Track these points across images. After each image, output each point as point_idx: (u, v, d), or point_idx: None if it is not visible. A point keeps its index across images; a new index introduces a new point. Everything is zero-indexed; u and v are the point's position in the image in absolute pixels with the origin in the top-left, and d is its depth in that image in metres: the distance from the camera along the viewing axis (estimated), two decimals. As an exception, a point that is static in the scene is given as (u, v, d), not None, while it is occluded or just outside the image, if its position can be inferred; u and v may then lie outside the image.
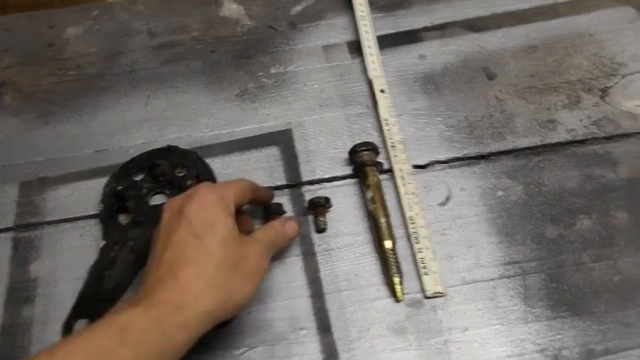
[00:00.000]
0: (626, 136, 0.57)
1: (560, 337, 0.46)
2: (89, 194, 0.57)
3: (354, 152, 0.55)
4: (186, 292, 0.40)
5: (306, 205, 0.54)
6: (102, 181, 0.57)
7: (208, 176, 0.56)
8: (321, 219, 0.52)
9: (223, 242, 0.42)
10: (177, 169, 0.57)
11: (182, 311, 0.39)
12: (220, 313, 0.41)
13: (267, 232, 0.47)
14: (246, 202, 0.48)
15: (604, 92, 0.61)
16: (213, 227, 0.42)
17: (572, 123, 0.59)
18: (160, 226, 0.45)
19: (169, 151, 0.58)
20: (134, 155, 0.59)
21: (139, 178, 0.57)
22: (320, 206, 0.53)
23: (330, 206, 0.54)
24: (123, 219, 0.55)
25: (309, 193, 0.55)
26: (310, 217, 0.54)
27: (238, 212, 0.47)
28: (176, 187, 0.56)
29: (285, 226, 0.49)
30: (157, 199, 0.56)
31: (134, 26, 0.71)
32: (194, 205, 0.43)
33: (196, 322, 0.39)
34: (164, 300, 0.39)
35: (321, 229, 0.53)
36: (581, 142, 0.57)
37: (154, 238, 0.45)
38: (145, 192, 0.56)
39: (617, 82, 0.61)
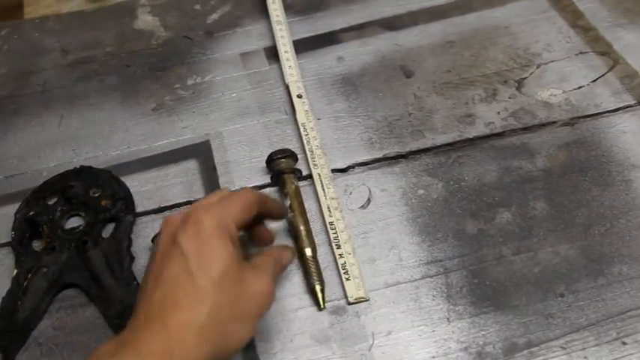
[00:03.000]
0: (542, 126, 0.58)
1: (483, 333, 0.46)
2: (0, 222, 0.54)
3: (270, 160, 0.54)
4: (176, 344, 0.36)
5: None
6: (14, 207, 0.55)
7: (124, 194, 0.55)
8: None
9: (219, 281, 0.37)
10: (92, 189, 0.55)
11: None
12: None
13: (268, 260, 0.43)
14: (252, 217, 0.43)
15: (520, 83, 0.61)
16: (208, 263, 0.38)
17: (489, 116, 0.59)
18: (155, 251, 0.41)
19: (82, 172, 0.56)
20: (47, 178, 0.57)
21: (52, 201, 0.55)
22: None
23: None
24: (37, 245, 0.53)
25: (229, 205, 0.54)
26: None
27: (255, 222, 0.45)
28: (91, 209, 0.54)
29: (282, 255, 0.45)
30: (71, 222, 0.54)
31: (46, 44, 0.69)
32: (189, 232, 0.39)
33: None
34: (151, 352, 0.35)
35: None
36: (499, 134, 0.57)
37: (148, 263, 0.41)
38: (58, 216, 0.54)
39: (532, 73, 0.62)
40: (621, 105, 0.59)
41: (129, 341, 0.36)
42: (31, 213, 0.54)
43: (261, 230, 0.47)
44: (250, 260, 0.42)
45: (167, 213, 0.54)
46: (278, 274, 0.44)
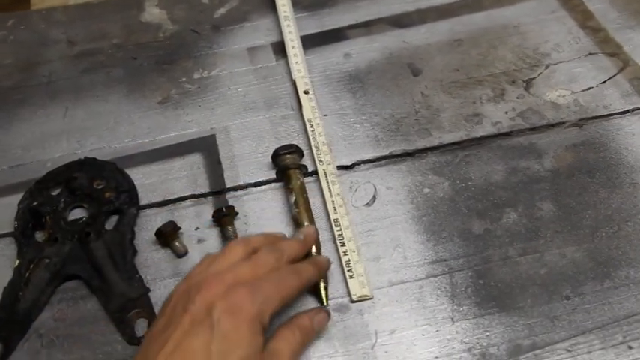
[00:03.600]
0: (550, 126, 0.57)
1: (487, 334, 0.46)
2: (4, 212, 0.54)
3: (276, 156, 0.54)
4: None
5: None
6: (17, 198, 0.55)
7: (128, 187, 0.54)
8: (230, 228, 0.51)
9: None
10: (96, 181, 0.55)
11: None
12: None
13: (293, 339, 0.41)
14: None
15: (528, 83, 0.61)
16: (231, 350, 0.37)
17: (497, 116, 0.58)
18: (181, 299, 0.40)
19: (87, 164, 0.56)
20: (51, 169, 0.56)
21: (55, 192, 0.55)
22: (225, 217, 0.51)
23: (236, 213, 0.52)
24: (39, 236, 0.53)
25: (234, 199, 0.54)
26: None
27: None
28: (95, 200, 0.54)
29: (314, 322, 0.43)
30: (75, 214, 0.54)
31: (52, 35, 0.69)
32: (227, 310, 0.38)
33: None
34: None
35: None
36: (507, 134, 0.57)
37: (170, 301, 0.40)
38: (62, 207, 0.54)
39: (540, 73, 0.61)
40: (631, 107, 0.58)
41: None
42: (35, 203, 0.54)
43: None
44: (269, 342, 0.40)
45: (171, 206, 0.54)
46: (307, 344, 0.43)
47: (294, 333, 0.42)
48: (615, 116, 0.58)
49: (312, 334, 0.44)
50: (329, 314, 0.46)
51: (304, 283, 0.44)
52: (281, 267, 0.43)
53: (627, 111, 0.58)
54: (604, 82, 0.60)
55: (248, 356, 0.37)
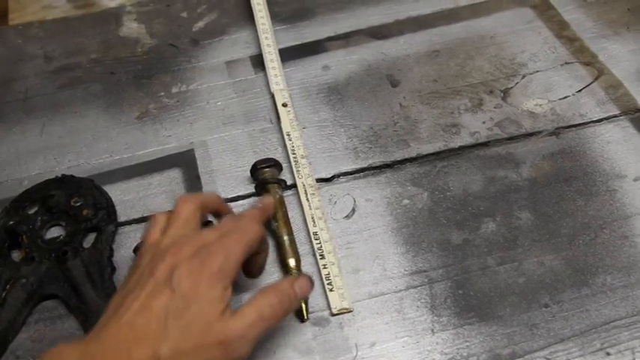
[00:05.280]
0: (528, 135, 0.58)
1: (467, 344, 0.46)
2: (-20, 232, 0.53)
3: (255, 169, 0.54)
4: None
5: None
6: (-7, 217, 0.54)
7: (106, 204, 0.54)
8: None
9: (192, 333, 0.37)
10: (73, 198, 0.54)
11: None
12: None
13: (264, 302, 0.40)
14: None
15: (505, 93, 0.61)
16: (188, 308, 0.38)
17: (475, 126, 0.59)
18: (151, 260, 0.40)
19: (64, 181, 0.56)
20: (28, 187, 0.56)
21: (32, 211, 0.54)
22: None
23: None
24: (16, 255, 0.52)
25: (213, 214, 0.54)
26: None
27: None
28: (72, 218, 0.53)
29: (294, 287, 0.42)
30: (52, 232, 0.53)
31: (29, 50, 0.69)
32: (186, 270, 0.39)
33: None
34: None
35: None
36: (485, 144, 0.57)
37: (138, 264, 0.41)
38: (39, 225, 0.53)
39: (517, 83, 0.62)
40: (606, 115, 0.59)
41: (93, 352, 0.37)
42: (11, 222, 0.53)
43: (253, 260, 0.45)
44: (239, 307, 0.40)
45: (149, 223, 0.53)
46: (286, 312, 0.41)
47: (267, 296, 0.40)
48: (591, 124, 0.58)
49: (292, 299, 0.42)
50: (312, 282, 0.44)
51: (263, 233, 0.44)
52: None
53: (603, 119, 0.59)
54: (580, 90, 0.61)
55: (202, 311, 0.38)
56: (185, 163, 0.57)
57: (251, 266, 0.46)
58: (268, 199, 0.49)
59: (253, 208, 0.47)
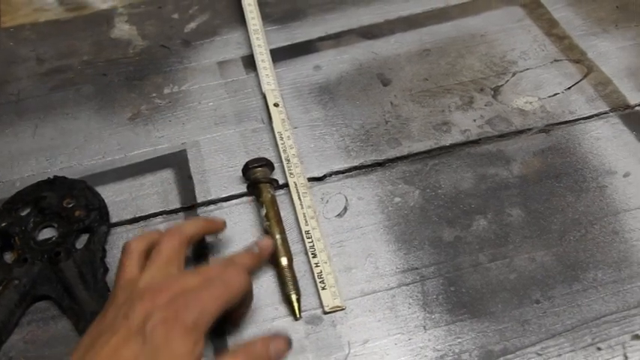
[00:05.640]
0: (518, 133, 0.58)
1: (459, 340, 0.46)
2: (-28, 234, 0.53)
3: (246, 169, 0.54)
4: None
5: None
6: (-14, 219, 0.54)
7: (98, 205, 0.54)
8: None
9: None
10: (66, 200, 0.54)
11: None
12: None
13: None
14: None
15: (496, 91, 0.61)
16: None
17: (465, 124, 0.59)
18: (127, 302, 0.39)
19: (56, 183, 0.56)
20: (20, 189, 0.56)
21: (24, 212, 0.54)
22: None
23: None
24: (8, 257, 0.52)
25: (205, 214, 0.54)
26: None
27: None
28: (64, 219, 0.53)
29: (269, 349, 0.40)
30: (44, 234, 0.53)
31: (21, 53, 0.69)
32: (160, 320, 0.38)
33: None
34: None
35: None
36: (475, 142, 0.58)
37: (113, 300, 0.41)
38: (31, 227, 0.53)
39: (507, 80, 0.62)
40: (595, 112, 0.59)
41: None
42: (3, 224, 0.53)
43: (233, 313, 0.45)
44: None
45: (142, 223, 0.54)
46: None
47: (236, 359, 0.39)
48: (581, 121, 0.59)
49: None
50: (290, 343, 0.42)
51: (248, 280, 0.43)
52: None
53: (592, 116, 0.59)
54: (569, 88, 0.61)
55: None
56: (177, 163, 0.58)
57: (230, 316, 0.45)
58: (267, 242, 0.48)
59: (247, 253, 0.46)
